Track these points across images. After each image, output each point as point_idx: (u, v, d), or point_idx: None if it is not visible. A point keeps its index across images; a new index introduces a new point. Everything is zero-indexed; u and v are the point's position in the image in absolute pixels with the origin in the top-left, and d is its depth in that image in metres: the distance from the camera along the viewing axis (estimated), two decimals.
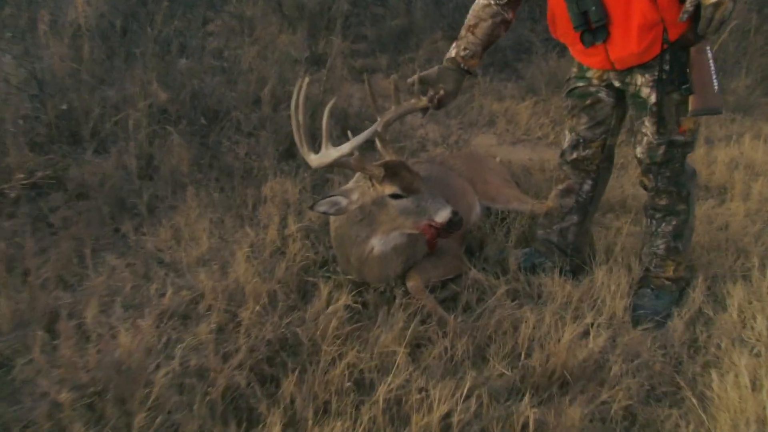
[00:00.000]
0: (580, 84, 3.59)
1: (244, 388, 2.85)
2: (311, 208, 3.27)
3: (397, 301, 3.34)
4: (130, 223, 4.35)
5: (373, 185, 3.26)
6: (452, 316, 3.33)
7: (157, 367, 2.95)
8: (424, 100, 3.49)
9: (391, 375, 2.85)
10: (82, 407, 2.76)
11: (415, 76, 3.46)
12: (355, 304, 3.33)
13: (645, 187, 3.51)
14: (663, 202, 3.44)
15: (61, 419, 2.70)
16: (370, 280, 3.55)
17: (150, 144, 5.03)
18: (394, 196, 3.20)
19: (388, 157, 3.43)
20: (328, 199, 3.25)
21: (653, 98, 3.21)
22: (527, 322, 3.19)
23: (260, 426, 2.70)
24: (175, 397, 2.77)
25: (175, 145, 4.94)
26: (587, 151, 3.69)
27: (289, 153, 5.12)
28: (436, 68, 3.56)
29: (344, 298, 3.29)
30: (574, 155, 3.74)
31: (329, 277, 3.73)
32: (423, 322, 3.27)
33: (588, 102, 3.56)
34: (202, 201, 4.55)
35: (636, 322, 3.42)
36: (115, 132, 5.02)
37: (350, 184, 3.39)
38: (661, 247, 3.53)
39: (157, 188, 4.68)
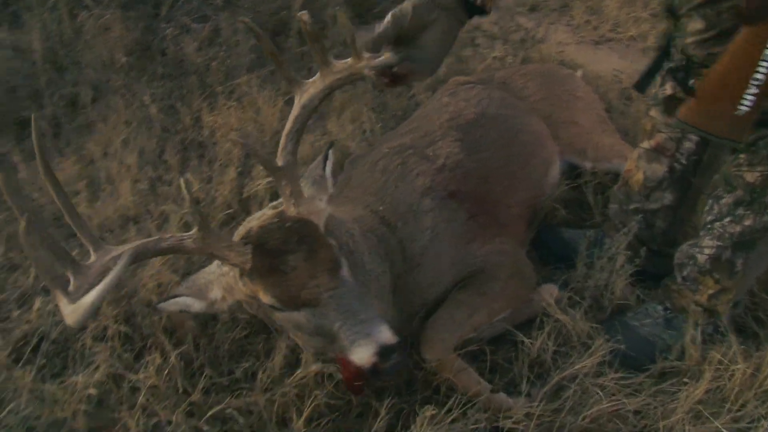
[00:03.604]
0: None
1: None
2: (155, 306, 1.80)
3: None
4: (22, 147, 2.87)
5: (242, 277, 1.69)
6: (508, 399, 1.90)
7: None
8: (363, 64, 1.65)
9: None
10: None
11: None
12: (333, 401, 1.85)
13: (686, 155, 2.09)
14: (749, 179, 1.87)
15: None
16: None
17: (71, 17, 3.41)
18: (274, 307, 1.66)
19: (287, 204, 1.70)
20: (172, 301, 1.74)
21: None
22: None
23: None
24: None
25: (107, 22, 3.34)
26: (693, 80, 1.99)
27: (276, 45, 3.46)
28: (409, 5, 1.67)
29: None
30: (668, 87, 2.08)
31: None
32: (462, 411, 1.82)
33: None
34: (134, 115, 3.02)
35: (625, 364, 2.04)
36: None
37: (211, 268, 1.80)
38: (707, 251, 2.01)
39: (71, 91, 3.13)
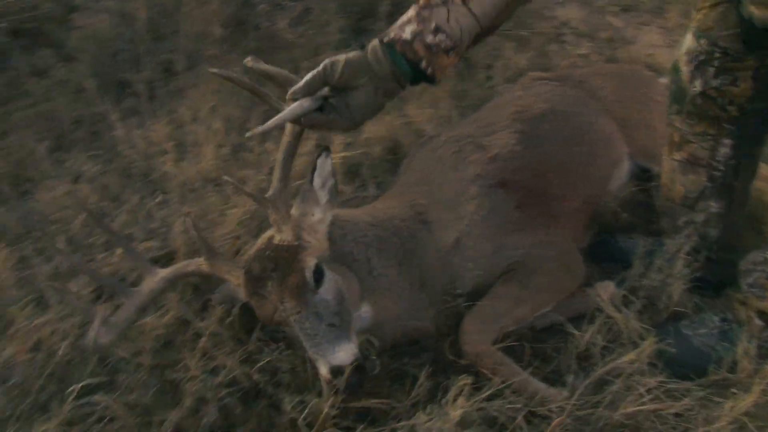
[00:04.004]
0: None
1: None
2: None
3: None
4: (120, 107, 3.09)
5: None
6: (549, 388, 1.93)
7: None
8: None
9: None
10: None
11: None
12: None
13: (720, 165, 2.03)
14: None
15: None
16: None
17: None
18: None
19: (274, 231, 1.88)
20: (219, 296, 2.12)
21: None
22: None
23: None
24: None
25: None
26: (724, 77, 1.98)
27: (361, 27, 3.58)
28: (342, 58, 1.64)
29: None
30: (697, 85, 2.02)
31: None
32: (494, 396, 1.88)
33: None
34: (224, 85, 3.18)
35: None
36: None
37: None
38: None
39: (167, 58, 3.33)
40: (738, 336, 2.06)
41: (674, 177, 2.21)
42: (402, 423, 1.73)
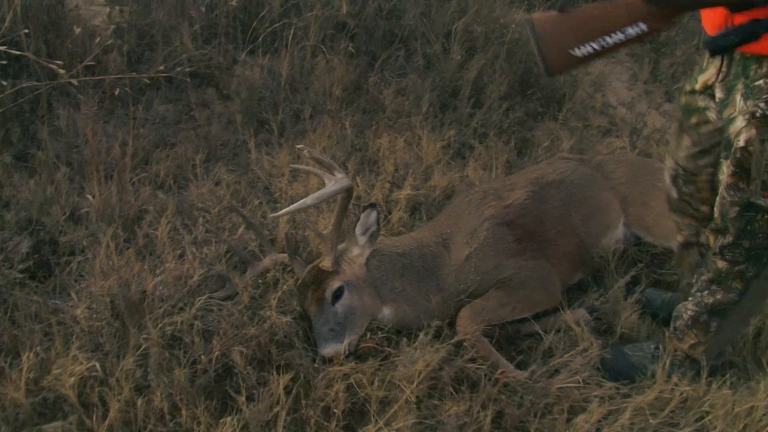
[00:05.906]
0: (687, 90, 2.56)
1: (241, 367, 2.55)
2: None
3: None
4: (257, 138, 4.16)
5: None
6: (514, 369, 2.73)
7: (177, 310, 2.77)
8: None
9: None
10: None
11: None
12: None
13: (705, 246, 2.66)
14: (720, 266, 2.47)
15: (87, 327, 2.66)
16: None
17: (312, 56, 4.72)
18: None
19: (322, 258, 2.86)
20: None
21: (742, 139, 2.17)
22: (594, 412, 2.49)
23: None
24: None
25: (334, 64, 4.60)
26: (689, 187, 2.71)
27: (445, 104, 4.55)
28: None
29: None
30: (674, 192, 2.79)
31: None
32: (472, 360, 2.70)
33: (693, 121, 2.59)
34: (335, 133, 4.21)
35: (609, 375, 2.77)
36: (285, 36, 4.74)
37: None
38: (690, 312, 2.62)
39: (298, 107, 4.41)
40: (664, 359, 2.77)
41: (679, 249, 2.97)
42: (401, 357, 2.59)
